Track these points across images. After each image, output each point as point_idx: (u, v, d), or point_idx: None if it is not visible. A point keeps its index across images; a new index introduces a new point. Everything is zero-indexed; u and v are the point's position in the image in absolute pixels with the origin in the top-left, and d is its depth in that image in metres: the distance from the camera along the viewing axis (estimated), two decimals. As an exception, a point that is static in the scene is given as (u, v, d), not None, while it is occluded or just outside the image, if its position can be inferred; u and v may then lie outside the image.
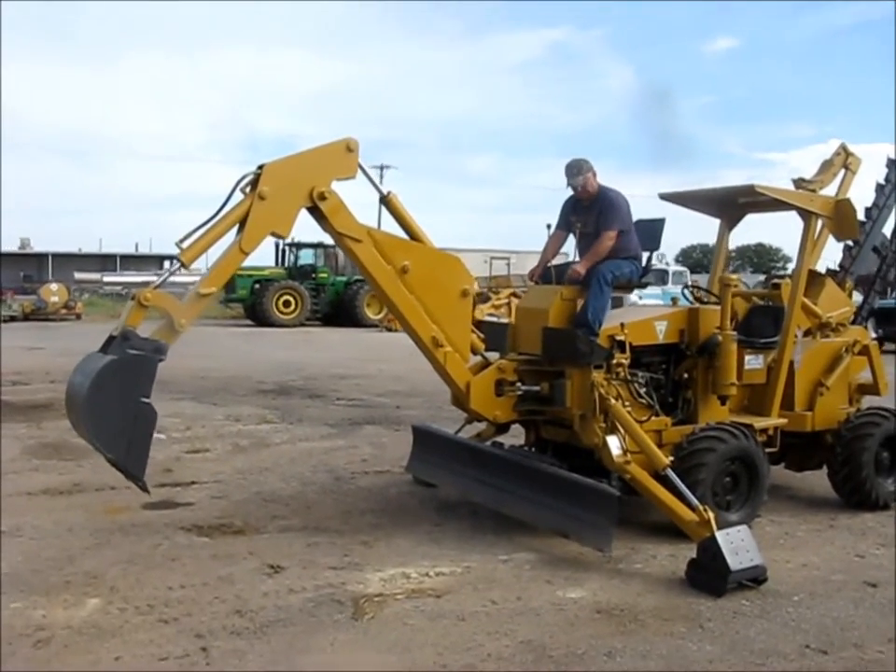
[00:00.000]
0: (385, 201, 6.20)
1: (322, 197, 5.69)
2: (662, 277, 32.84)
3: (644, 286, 7.37)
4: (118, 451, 5.07)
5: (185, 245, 5.37)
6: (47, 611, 4.79)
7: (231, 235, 5.54)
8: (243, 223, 5.50)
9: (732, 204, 8.13)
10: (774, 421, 7.10)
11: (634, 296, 28.92)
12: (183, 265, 5.44)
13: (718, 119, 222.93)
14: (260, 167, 5.54)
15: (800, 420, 7.36)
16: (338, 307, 34.43)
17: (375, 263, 5.96)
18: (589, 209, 6.94)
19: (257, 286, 33.75)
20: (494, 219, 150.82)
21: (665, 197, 8.07)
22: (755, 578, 5.34)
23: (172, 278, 5.62)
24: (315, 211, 5.78)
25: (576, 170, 6.86)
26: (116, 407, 4.99)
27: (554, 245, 7.31)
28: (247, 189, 5.52)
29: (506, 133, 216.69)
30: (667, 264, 38.90)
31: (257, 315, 33.73)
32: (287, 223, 5.68)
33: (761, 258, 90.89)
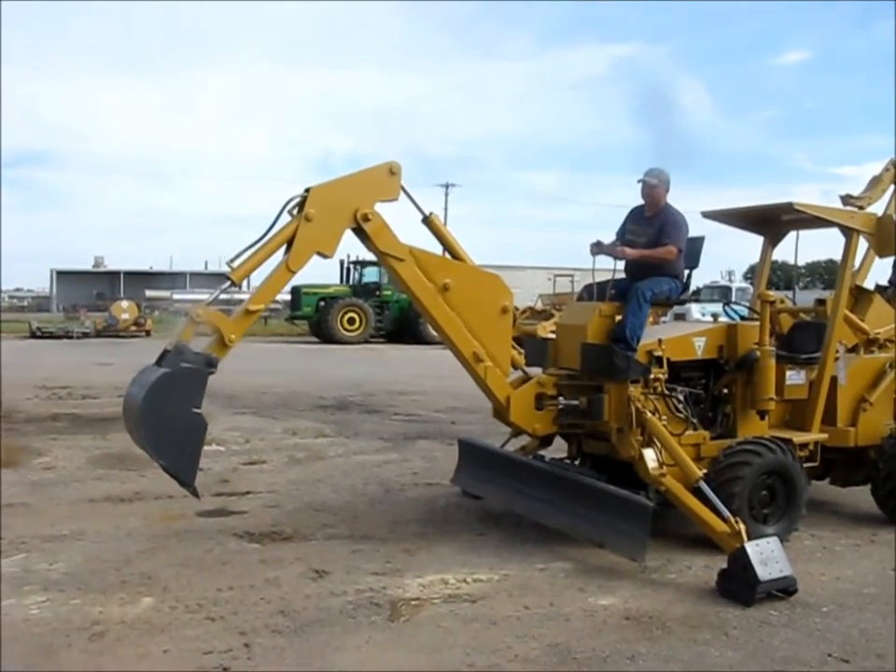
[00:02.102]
0: (427, 221, 6.44)
1: (366, 218, 5.95)
2: (725, 294, 32.66)
3: (683, 303, 7.49)
4: (170, 458, 5.38)
5: (235, 264, 5.69)
6: (103, 608, 5.11)
7: (279, 255, 5.83)
8: (290, 243, 5.79)
9: (774, 222, 8.21)
10: (814, 436, 7.16)
11: (697, 312, 28.91)
12: (233, 283, 5.74)
13: (786, 134, 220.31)
14: (307, 190, 5.83)
15: (842, 435, 7.39)
16: (402, 324, 34.79)
17: (417, 281, 6.20)
18: (650, 221, 7.12)
19: (322, 303, 34.37)
20: (558, 236, 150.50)
21: (707, 215, 8.17)
22: (785, 588, 5.44)
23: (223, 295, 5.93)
24: (359, 232, 6.04)
25: (655, 174, 7.10)
26: (169, 416, 5.30)
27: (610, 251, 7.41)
28: (294, 211, 5.81)
29: (571, 149, 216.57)
30: (731, 281, 38.66)
31: (321, 332, 34.28)
32: (332, 243, 5.95)
33: (832, 274, 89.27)
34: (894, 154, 9.14)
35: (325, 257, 5.95)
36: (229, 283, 5.73)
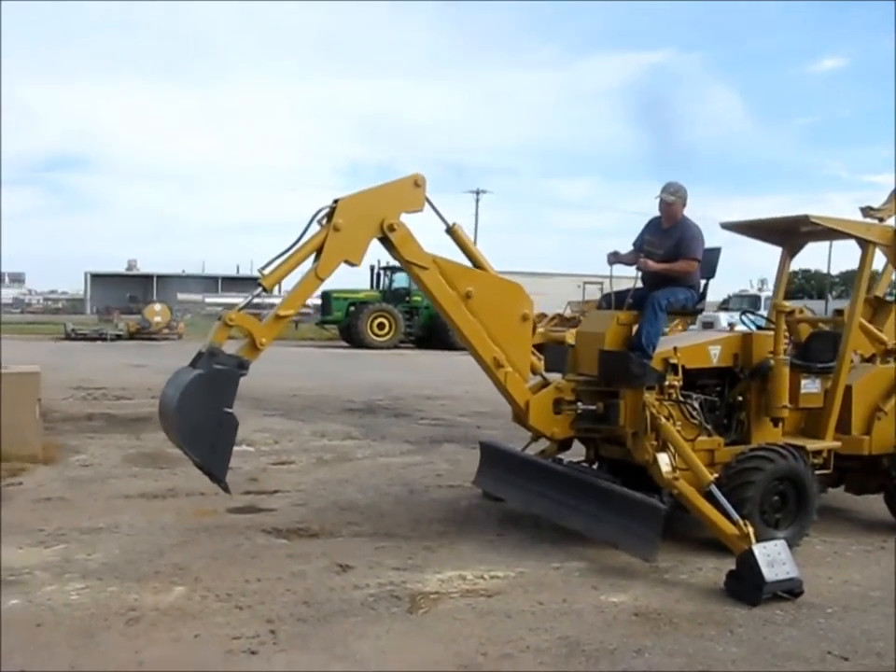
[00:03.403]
0: (451, 231, 6.69)
1: (392, 228, 6.21)
2: (754, 303, 32.69)
3: (699, 312, 7.69)
4: (203, 454, 5.66)
5: (266, 271, 5.97)
6: (138, 595, 5.39)
7: (309, 263, 6.11)
8: (319, 252, 6.06)
9: (793, 233, 8.39)
10: (826, 444, 7.32)
11: (725, 321, 29.02)
12: (265, 290, 6.02)
13: (821, 141, 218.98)
14: (335, 201, 6.10)
15: (856, 444, 7.53)
16: (431, 330, 34.97)
17: (441, 289, 6.45)
18: (666, 233, 7.34)
19: (352, 308, 34.70)
20: (589, 243, 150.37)
21: (727, 226, 8.36)
22: (790, 590, 5.62)
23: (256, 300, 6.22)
24: (385, 241, 6.31)
25: (672, 189, 7.33)
26: (202, 415, 5.58)
27: (627, 260, 7.64)
28: (323, 221, 6.08)
29: (603, 157, 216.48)
30: (761, 290, 38.61)
31: (351, 336, 34.60)
32: (359, 252, 6.22)
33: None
34: None
35: (352, 265, 6.21)
36: (260, 289, 6.01)
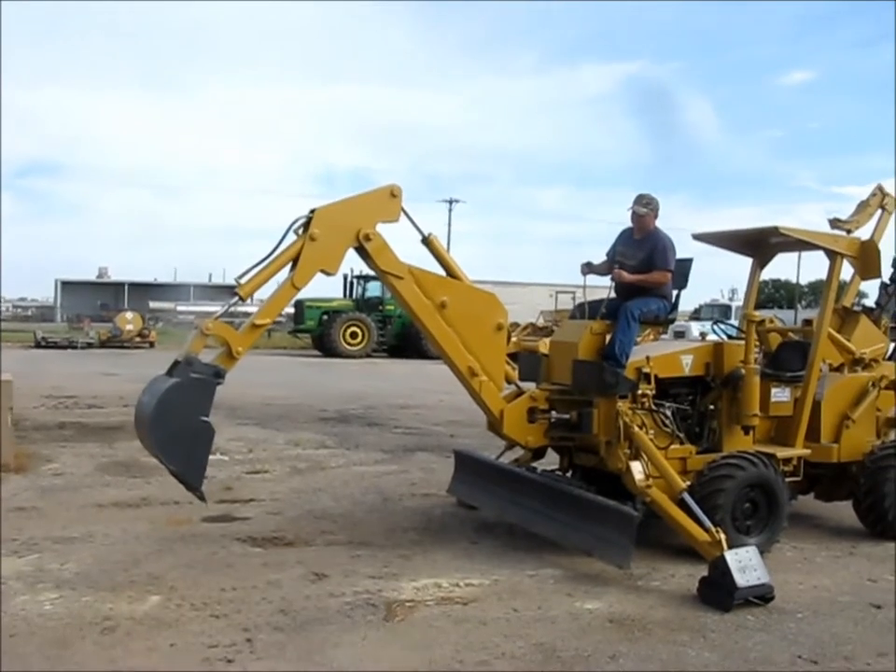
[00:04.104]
0: (426, 241, 6.74)
1: (368, 238, 6.26)
2: (725, 313, 33.02)
3: (671, 322, 7.78)
4: (178, 463, 5.68)
5: (243, 280, 5.99)
6: (113, 605, 5.38)
7: (285, 272, 6.13)
8: (295, 261, 6.09)
9: (763, 244, 8.50)
10: (797, 451, 7.42)
11: (696, 330, 29.30)
12: (241, 298, 6.05)
13: (791, 153, 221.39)
14: (312, 211, 6.13)
15: (826, 451, 7.65)
16: (404, 339, 34.99)
17: (416, 299, 6.50)
18: (639, 244, 7.42)
19: (325, 317, 34.68)
20: (562, 252, 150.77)
21: (698, 237, 8.46)
22: (762, 595, 5.70)
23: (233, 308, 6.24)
24: (361, 251, 6.35)
25: (644, 201, 7.39)
26: (178, 424, 5.60)
27: (600, 271, 7.73)
28: (300, 231, 6.12)
29: (577, 165, 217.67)
30: (732, 299, 38.95)
31: (324, 345, 34.56)
32: (335, 262, 6.26)
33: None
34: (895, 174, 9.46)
35: (328, 274, 6.25)
36: (237, 298, 6.03)
